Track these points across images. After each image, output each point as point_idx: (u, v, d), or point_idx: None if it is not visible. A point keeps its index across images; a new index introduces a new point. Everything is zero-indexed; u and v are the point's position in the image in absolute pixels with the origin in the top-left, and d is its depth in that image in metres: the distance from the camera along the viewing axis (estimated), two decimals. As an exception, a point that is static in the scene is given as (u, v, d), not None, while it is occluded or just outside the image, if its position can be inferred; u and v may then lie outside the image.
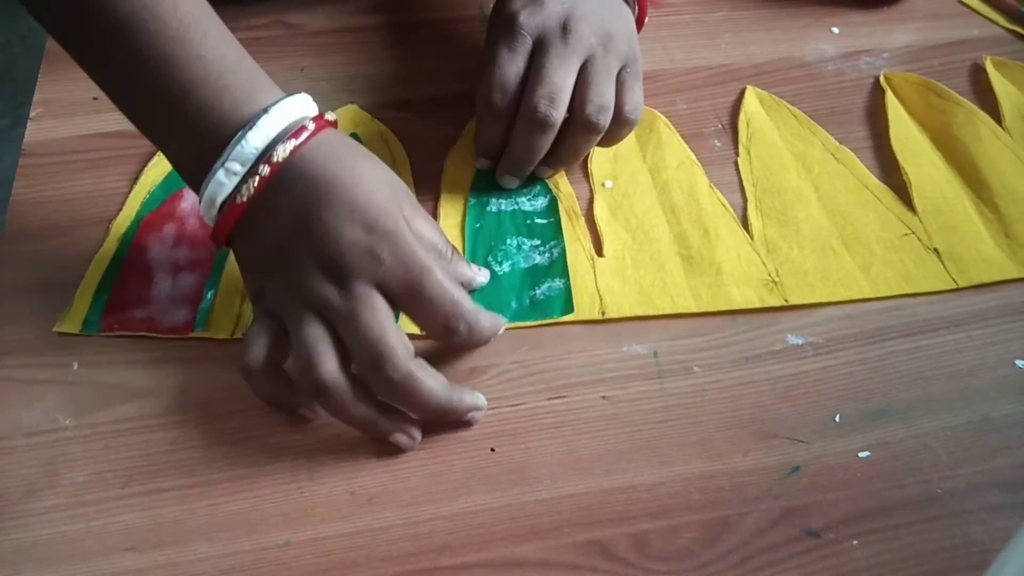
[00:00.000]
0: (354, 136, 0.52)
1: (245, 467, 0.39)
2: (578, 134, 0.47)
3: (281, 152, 0.38)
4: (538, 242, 0.47)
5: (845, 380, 0.42)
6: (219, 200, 0.38)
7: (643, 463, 0.39)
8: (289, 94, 0.40)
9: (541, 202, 0.49)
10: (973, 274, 0.46)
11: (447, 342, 0.40)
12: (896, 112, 0.54)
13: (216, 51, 0.39)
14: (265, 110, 0.38)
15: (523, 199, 0.49)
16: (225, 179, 0.38)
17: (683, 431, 0.40)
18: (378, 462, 0.39)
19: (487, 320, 0.40)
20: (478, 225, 0.48)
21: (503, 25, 0.48)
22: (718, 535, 0.37)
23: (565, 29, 0.46)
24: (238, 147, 0.38)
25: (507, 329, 0.43)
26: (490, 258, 0.46)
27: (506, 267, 0.46)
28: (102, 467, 0.38)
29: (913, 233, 0.48)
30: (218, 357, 0.42)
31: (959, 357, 0.43)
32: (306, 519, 0.37)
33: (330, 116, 0.40)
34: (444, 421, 0.39)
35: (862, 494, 0.38)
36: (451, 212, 0.49)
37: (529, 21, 0.47)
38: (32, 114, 0.53)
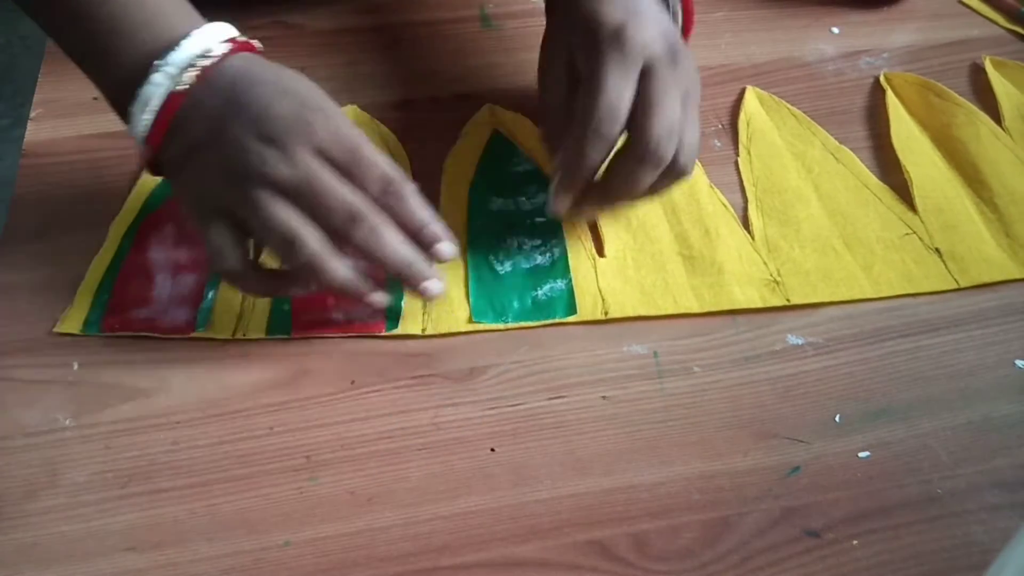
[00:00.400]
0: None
1: (245, 467, 0.39)
2: (666, 176, 0.43)
3: (219, 50, 0.40)
4: (539, 242, 0.47)
5: (845, 380, 0.42)
6: (155, 101, 0.40)
7: (643, 463, 0.39)
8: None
9: (541, 200, 0.49)
10: (974, 274, 0.46)
11: (392, 208, 0.40)
12: (897, 112, 0.54)
13: None
14: (198, 27, 0.40)
15: (523, 199, 0.49)
16: (160, 79, 0.39)
17: (683, 431, 0.40)
18: (378, 462, 0.39)
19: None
20: (479, 225, 0.48)
21: (610, 39, 0.42)
22: (718, 535, 0.37)
23: (673, 56, 0.42)
24: (174, 51, 0.40)
25: (507, 329, 0.43)
26: (491, 257, 0.46)
27: (508, 267, 0.46)
28: (102, 467, 0.38)
29: (914, 233, 0.48)
30: (218, 357, 0.42)
31: (959, 357, 0.43)
32: (306, 519, 0.37)
33: (256, 44, 0.43)
34: (407, 274, 0.40)
35: (862, 494, 0.38)
36: (452, 212, 0.49)
37: (638, 37, 0.41)
38: (32, 114, 0.53)
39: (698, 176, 0.50)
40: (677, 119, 0.41)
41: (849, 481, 0.38)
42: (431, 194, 0.49)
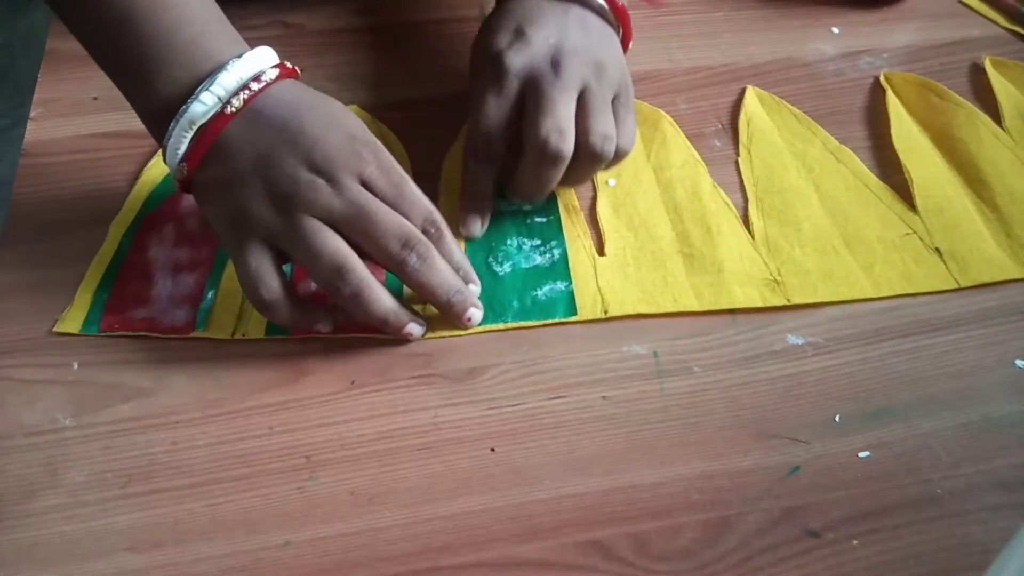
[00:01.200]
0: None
1: (245, 467, 0.39)
2: (582, 165, 0.46)
3: (270, 74, 0.41)
4: (538, 242, 0.47)
5: (845, 380, 0.42)
6: (200, 121, 0.40)
7: (643, 463, 0.39)
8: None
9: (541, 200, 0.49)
10: (975, 274, 0.46)
11: (406, 261, 0.41)
12: (897, 111, 0.54)
13: (201, 1, 0.42)
14: (239, 56, 0.41)
15: None
16: (209, 100, 0.40)
17: (683, 431, 0.40)
18: (378, 462, 0.39)
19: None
20: None
21: (488, 65, 0.47)
22: (718, 535, 0.37)
23: (556, 65, 0.45)
24: (224, 72, 0.40)
25: (507, 329, 0.43)
26: (490, 259, 0.46)
27: (507, 267, 0.46)
28: (102, 467, 0.38)
29: (914, 233, 0.48)
30: (218, 357, 0.42)
31: (959, 357, 0.43)
32: (306, 519, 0.37)
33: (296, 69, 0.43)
34: (453, 301, 0.42)
35: (862, 494, 0.38)
36: (450, 212, 0.49)
37: (516, 61, 0.46)
38: (32, 114, 0.53)
39: (701, 175, 0.50)
40: (563, 116, 0.44)
41: (849, 481, 0.38)
42: (431, 194, 0.49)
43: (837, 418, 0.40)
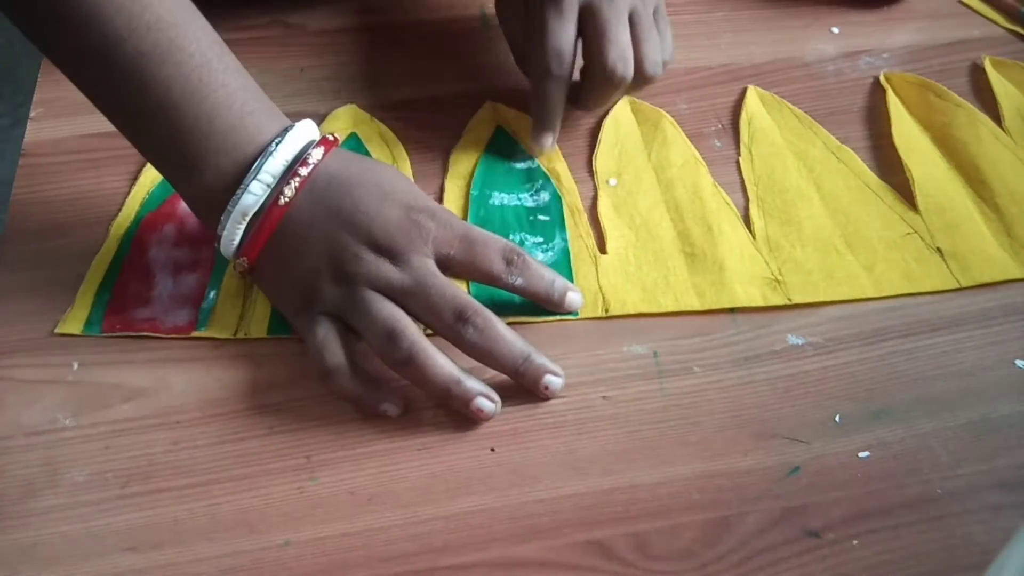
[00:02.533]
0: (353, 135, 0.52)
1: (245, 467, 0.39)
2: (635, 87, 0.50)
3: (315, 155, 0.41)
4: (540, 239, 0.47)
5: (845, 380, 0.42)
6: (251, 211, 0.40)
7: (643, 463, 0.39)
8: (296, 121, 0.42)
9: (544, 197, 0.49)
10: (976, 274, 0.46)
11: (509, 281, 0.42)
12: (898, 110, 0.54)
13: (237, 79, 0.41)
14: (292, 126, 0.41)
15: (526, 195, 0.49)
16: (258, 190, 0.40)
17: (683, 431, 0.40)
18: (378, 462, 0.39)
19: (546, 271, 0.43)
20: (480, 219, 0.48)
21: None
22: (718, 535, 0.37)
23: None
24: (269, 159, 0.40)
25: (507, 324, 0.43)
26: None
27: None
28: (102, 467, 0.38)
29: (915, 232, 0.48)
30: (219, 357, 0.42)
31: (959, 357, 0.43)
32: (306, 519, 0.37)
33: (335, 137, 0.43)
34: (523, 370, 0.40)
35: (862, 494, 0.38)
36: (453, 208, 0.49)
37: None
38: (32, 114, 0.53)
39: (702, 174, 0.50)
40: (625, 43, 0.48)
41: (849, 481, 0.38)
42: (432, 192, 0.50)
43: (837, 418, 0.40)
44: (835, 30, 0.60)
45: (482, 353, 0.40)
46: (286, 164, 0.40)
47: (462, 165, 0.51)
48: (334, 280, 0.40)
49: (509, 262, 0.42)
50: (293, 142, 0.41)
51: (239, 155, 0.40)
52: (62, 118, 0.53)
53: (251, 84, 0.42)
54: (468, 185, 0.50)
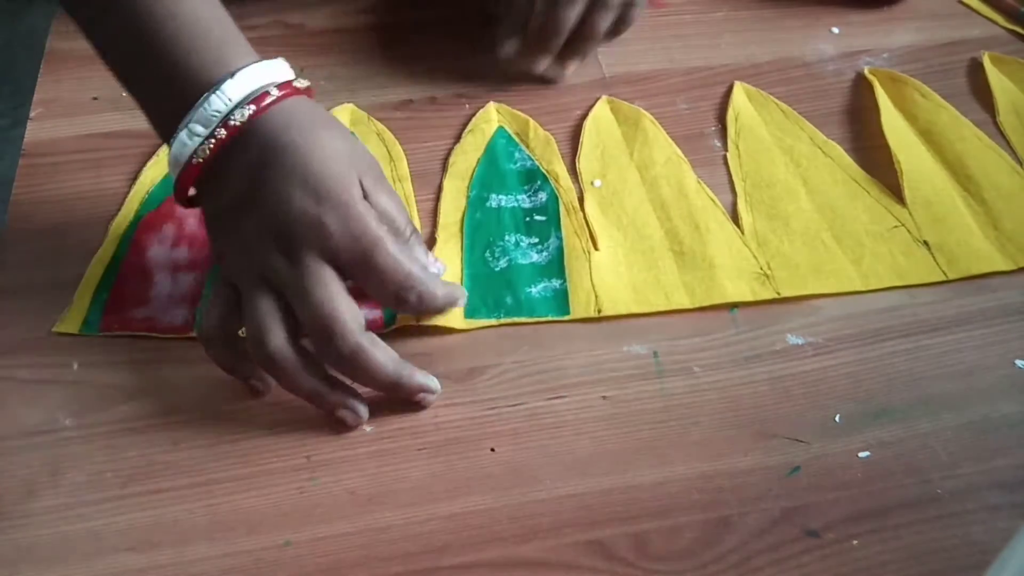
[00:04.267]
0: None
1: (245, 467, 0.39)
2: (621, 22, 0.54)
3: (239, 116, 0.38)
4: (536, 240, 0.47)
5: (845, 380, 0.42)
6: (182, 161, 0.39)
7: (643, 463, 0.39)
8: (263, 59, 0.40)
9: (541, 197, 0.49)
10: (963, 266, 0.46)
11: (400, 310, 0.41)
12: (886, 104, 0.55)
13: (192, 12, 0.40)
14: (231, 74, 0.39)
15: (523, 195, 0.49)
16: (188, 140, 0.39)
17: (683, 431, 0.40)
18: (378, 462, 0.39)
19: (441, 290, 0.40)
20: (477, 220, 0.48)
21: None
22: (718, 535, 0.36)
23: None
24: (200, 109, 0.38)
25: (505, 325, 0.43)
26: (487, 254, 0.46)
27: (503, 263, 0.46)
28: (102, 467, 0.38)
29: (903, 226, 0.48)
30: (218, 357, 0.42)
31: (959, 357, 0.43)
32: (306, 519, 0.37)
33: (301, 83, 0.41)
34: (395, 397, 0.39)
35: (862, 494, 0.38)
36: (451, 209, 0.49)
37: None
38: (32, 114, 0.53)
39: (685, 172, 0.51)
40: None
41: (849, 481, 0.38)
42: (430, 193, 0.50)
43: (837, 418, 0.40)
44: (835, 30, 0.60)
45: (347, 373, 0.39)
46: (218, 115, 0.38)
47: (461, 165, 0.51)
48: (235, 249, 0.39)
49: (402, 301, 0.39)
50: (229, 92, 0.38)
51: (178, 100, 0.39)
52: (62, 118, 0.53)
53: (206, 14, 0.40)
54: (467, 185, 0.50)
